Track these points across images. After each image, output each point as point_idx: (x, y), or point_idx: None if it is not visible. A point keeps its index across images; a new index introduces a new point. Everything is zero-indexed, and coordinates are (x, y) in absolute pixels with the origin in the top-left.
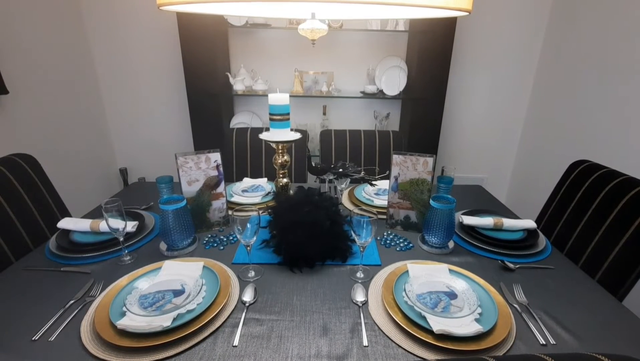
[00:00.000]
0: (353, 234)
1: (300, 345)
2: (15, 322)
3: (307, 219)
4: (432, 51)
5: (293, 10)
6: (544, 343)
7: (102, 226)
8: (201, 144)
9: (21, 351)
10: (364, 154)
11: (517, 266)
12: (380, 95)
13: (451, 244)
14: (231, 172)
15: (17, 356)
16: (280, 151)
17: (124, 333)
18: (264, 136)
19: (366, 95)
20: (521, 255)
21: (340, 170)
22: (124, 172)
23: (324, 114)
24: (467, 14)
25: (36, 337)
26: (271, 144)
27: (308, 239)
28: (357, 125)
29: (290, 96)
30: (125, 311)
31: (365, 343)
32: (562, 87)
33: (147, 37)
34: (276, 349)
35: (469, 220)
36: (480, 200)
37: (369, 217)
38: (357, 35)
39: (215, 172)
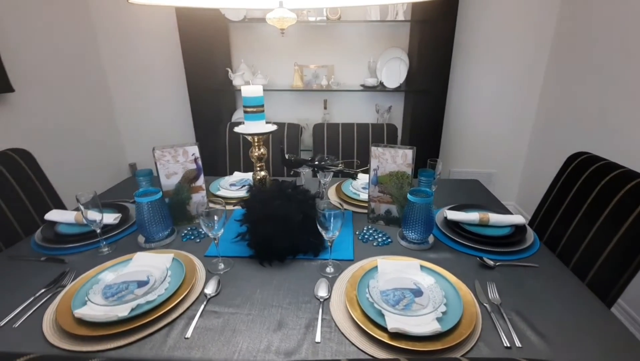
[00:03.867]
0: (320, 228)
1: (251, 339)
2: None
3: (278, 212)
4: (433, 41)
5: None
6: (509, 345)
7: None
8: (203, 139)
9: None
10: (357, 148)
11: (498, 263)
12: (380, 87)
13: (431, 239)
14: (224, 166)
15: None
16: (256, 144)
17: (82, 322)
18: (239, 129)
19: (366, 88)
20: (505, 252)
21: (317, 163)
22: (133, 167)
23: (325, 108)
24: None
25: (1, 323)
26: (247, 137)
27: (278, 233)
28: (360, 119)
29: (291, 90)
30: (87, 301)
31: (318, 339)
32: (578, 75)
33: (150, 34)
34: (226, 342)
35: (453, 215)
36: (474, 195)
37: (337, 210)
38: (356, 27)
39: (193, 166)
